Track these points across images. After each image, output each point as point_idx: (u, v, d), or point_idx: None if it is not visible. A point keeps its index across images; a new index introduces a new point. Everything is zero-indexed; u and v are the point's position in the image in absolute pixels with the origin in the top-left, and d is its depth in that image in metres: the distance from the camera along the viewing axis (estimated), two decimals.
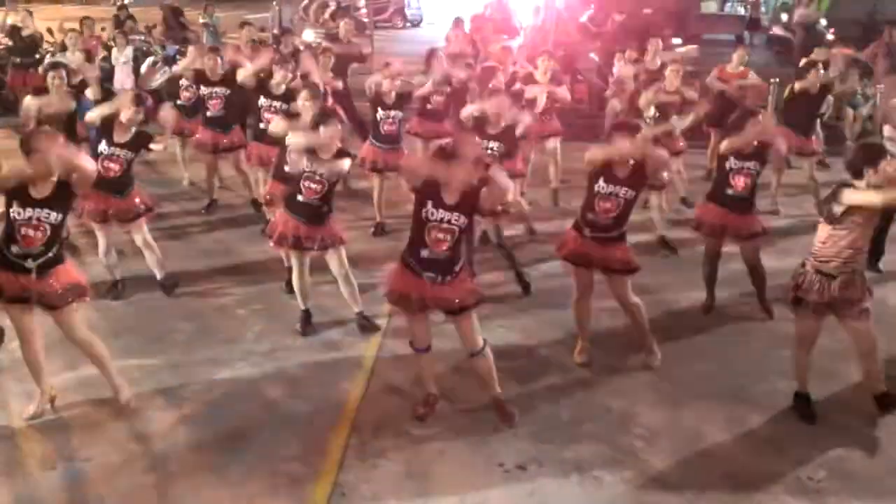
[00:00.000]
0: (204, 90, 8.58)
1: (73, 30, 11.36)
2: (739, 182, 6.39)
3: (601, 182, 5.57)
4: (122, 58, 12.56)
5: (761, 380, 5.86)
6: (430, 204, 4.90)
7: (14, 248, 4.94)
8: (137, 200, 6.81)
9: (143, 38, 13.40)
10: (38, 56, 12.43)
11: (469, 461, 4.90)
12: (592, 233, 5.66)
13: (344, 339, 6.32)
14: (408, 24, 28.88)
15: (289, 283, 6.72)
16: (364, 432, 5.14)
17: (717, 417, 5.38)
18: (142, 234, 6.90)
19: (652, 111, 8.03)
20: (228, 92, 8.54)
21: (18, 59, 12.40)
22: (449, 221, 4.90)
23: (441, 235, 4.91)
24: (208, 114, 8.65)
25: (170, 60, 12.36)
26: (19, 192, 4.89)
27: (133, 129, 6.68)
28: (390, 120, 8.20)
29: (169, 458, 4.85)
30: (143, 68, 11.58)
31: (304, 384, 5.69)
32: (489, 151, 6.68)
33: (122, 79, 12.29)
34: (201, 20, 15.32)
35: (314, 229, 6.13)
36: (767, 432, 5.24)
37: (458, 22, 12.57)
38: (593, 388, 5.68)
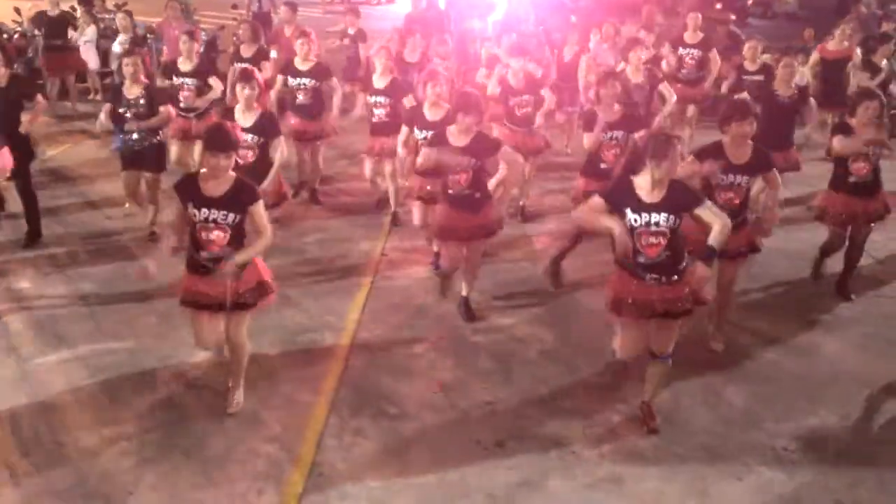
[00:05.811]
0: (292, 81, 8.26)
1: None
2: (861, 168, 6.26)
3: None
4: (84, 37, 12.26)
5: (737, 352, 5.90)
6: (629, 210, 4.60)
7: (203, 253, 4.74)
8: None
9: (111, 16, 13.13)
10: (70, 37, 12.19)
11: (447, 439, 4.90)
12: None
13: (321, 320, 6.28)
14: (382, 1, 28.64)
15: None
16: (342, 412, 5.13)
17: (693, 391, 5.41)
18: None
19: None
20: (316, 83, 8.26)
21: (51, 42, 12.04)
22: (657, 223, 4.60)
23: (653, 240, 4.60)
24: (297, 102, 8.32)
25: (140, 41, 12.16)
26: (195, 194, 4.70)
27: (256, 112, 6.48)
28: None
29: (145, 441, 4.81)
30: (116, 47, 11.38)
31: (281, 365, 5.66)
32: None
33: (87, 60, 12.04)
34: None
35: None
36: (742, 404, 5.28)
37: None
38: (570, 364, 5.70)
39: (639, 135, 4.76)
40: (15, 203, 8.37)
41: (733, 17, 15.47)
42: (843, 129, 6.32)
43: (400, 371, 5.61)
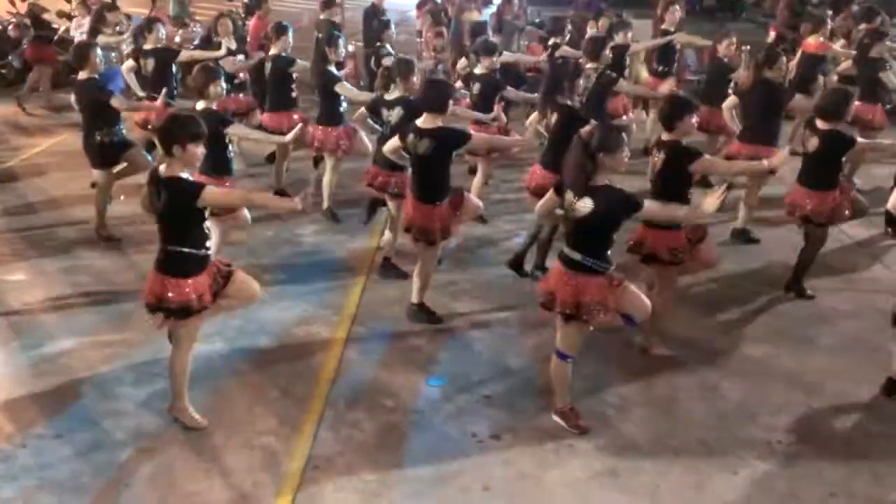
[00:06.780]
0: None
1: None
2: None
3: None
4: (80, 29, 12.19)
5: (733, 347, 5.92)
6: None
7: (208, 244, 4.70)
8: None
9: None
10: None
11: (443, 432, 4.91)
12: None
13: (317, 313, 6.28)
14: None
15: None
16: (338, 405, 5.13)
17: (689, 384, 5.43)
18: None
19: None
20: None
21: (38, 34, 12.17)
22: None
23: None
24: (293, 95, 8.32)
25: (136, 32, 12.06)
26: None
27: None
28: None
29: (141, 434, 4.80)
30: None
31: (277, 358, 5.66)
32: None
33: None
34: None
35: None
36: (738, 398, 5.30)
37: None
38: None
39: (584, 130, 4.76)
40: (12, 198, 8.36)
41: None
42: (846, 146, 6.22)
43: (396, 364, 5.61)
